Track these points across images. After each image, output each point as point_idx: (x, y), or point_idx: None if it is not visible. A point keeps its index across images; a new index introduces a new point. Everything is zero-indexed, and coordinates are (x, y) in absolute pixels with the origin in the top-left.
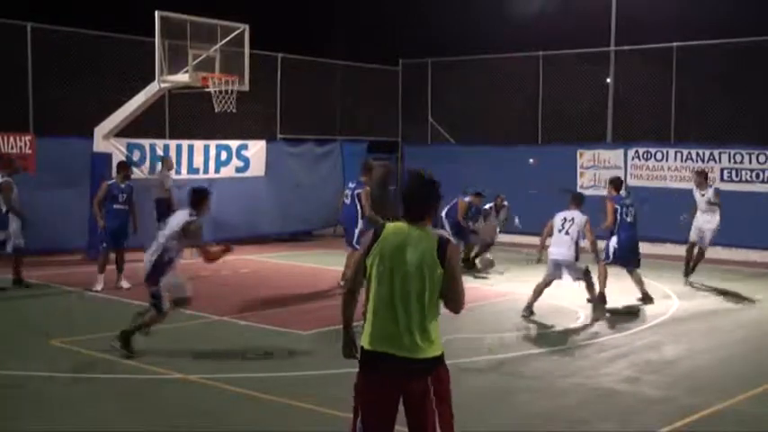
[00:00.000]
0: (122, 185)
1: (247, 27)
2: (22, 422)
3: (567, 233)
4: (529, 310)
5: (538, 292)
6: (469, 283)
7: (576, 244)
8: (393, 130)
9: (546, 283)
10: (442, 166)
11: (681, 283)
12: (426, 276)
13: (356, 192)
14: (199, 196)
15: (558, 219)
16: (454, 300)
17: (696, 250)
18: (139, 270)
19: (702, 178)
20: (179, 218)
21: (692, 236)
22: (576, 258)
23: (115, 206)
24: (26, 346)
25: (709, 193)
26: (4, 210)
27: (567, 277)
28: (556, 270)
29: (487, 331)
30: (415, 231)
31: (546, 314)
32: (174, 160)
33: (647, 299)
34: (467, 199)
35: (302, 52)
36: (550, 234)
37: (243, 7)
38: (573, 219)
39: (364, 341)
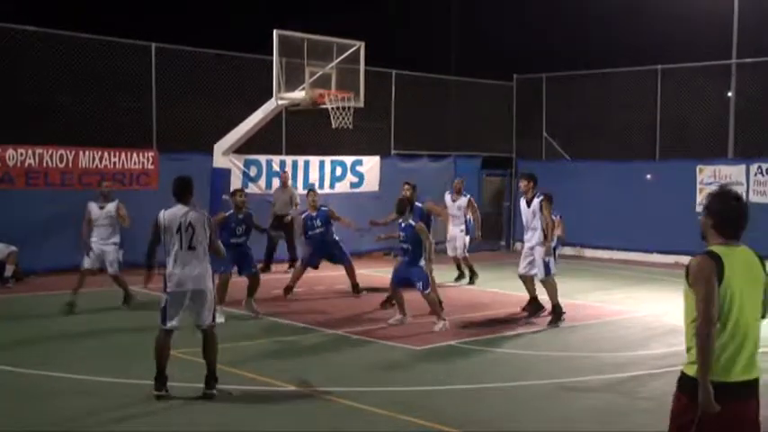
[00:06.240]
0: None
1: (362, 44)
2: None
3: None
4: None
5: None
6: (580, 301)
7: None
8: (507, 145)
9: None
10: (556, 183)
11: None
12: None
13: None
14: None
15: None
16: None
17: None
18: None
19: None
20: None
21: None
22: None
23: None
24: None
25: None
26: None
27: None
28: None
29: (603, 350)
30: (744, 250)
31: (665, 333)
32: (290, 175)
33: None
34: None
35: (416, 68)
36: None
37: (357, 25)
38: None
39: (721, 374)
